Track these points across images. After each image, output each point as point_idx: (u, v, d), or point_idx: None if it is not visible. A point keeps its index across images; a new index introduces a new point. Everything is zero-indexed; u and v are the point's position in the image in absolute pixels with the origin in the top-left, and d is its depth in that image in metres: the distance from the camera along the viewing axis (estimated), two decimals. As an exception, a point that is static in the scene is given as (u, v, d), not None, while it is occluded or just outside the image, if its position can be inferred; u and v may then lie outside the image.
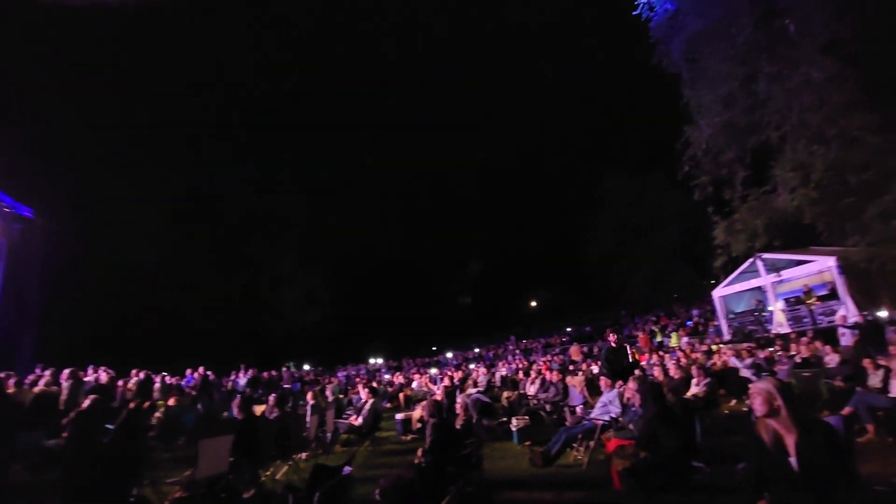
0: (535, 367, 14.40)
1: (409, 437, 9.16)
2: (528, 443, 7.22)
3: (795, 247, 14.29)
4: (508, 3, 43.18)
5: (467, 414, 5.47)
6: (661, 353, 14.03)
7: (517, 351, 27.52)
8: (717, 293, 17.33)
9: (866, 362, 7.07)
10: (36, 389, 7.96)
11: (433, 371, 22.43)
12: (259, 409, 8.57)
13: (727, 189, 11.92)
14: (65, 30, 27.55)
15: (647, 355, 13.84)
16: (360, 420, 8.30)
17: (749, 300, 17.00)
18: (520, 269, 45.71)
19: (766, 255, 14.23)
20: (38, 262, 14.67)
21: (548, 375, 10.55)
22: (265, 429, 5.95)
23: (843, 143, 9.89)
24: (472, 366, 23.18)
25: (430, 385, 15.12)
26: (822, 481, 2.24)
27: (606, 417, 6.13)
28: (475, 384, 13.23)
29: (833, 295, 13.39)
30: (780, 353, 10.91)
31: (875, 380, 6.70)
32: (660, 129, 17.37)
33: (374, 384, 15.05)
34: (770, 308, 15.33)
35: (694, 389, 8.36)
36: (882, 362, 6.80)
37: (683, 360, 10.80)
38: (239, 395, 11.25)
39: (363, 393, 9.55)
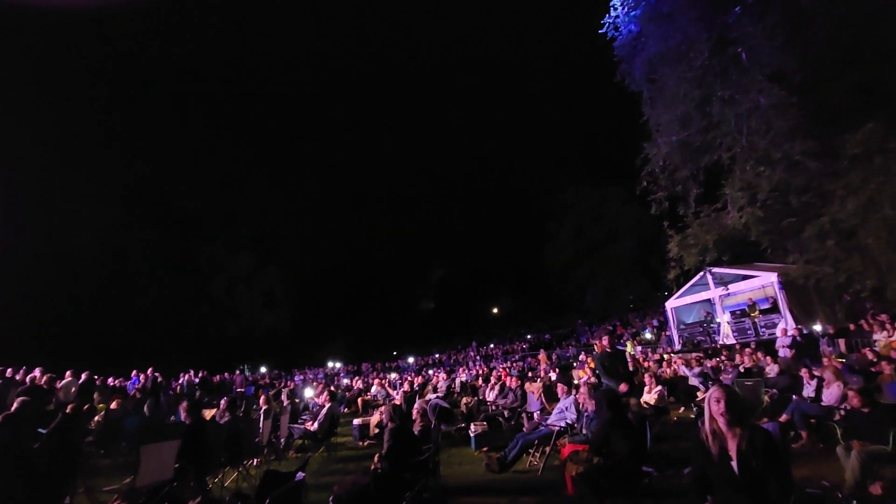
0: (494, 373, 14.50)
1: (365, 444, 8.98)
2: (485, 448, 7.23)
3: (742, 262, 15.07)
4: (476, 19, 43.86)
5: (426, 419, 5.43)
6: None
7: (477, 357, 27.68)
8: (670, 304, 17.99)
9: (802, 372, 7.53)
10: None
11: (393, 376, 22.20)
12: (209, 414, 8.21)
13: (681, 205, 12.45)
14: (32, 19, 25.92)
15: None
16: (315, 425, 8.09)
17: (699, 312, 17.76)
18: (481, 276, 46.19)
19: (715, 270, 14.94)
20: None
21: (507, 382, 10.63)
22: (214, 434, 5.70)
23: (787, 167, 10.54)
24: (431, 371, 23.12)
25: (390, 390, 14.94)
26: (760, 484, 2.36)
27: (562, 423, 6.22)
28: (435, 389, 13.19)
29: (774, 308, 14.15)
30: (726, 362, 11.45)
31: (809, 389, 7.16)
32: (620, 144, 18.02)
33: (332, 388, 14.74)
34: (718, 320, 16.04)
35: (646, 396, 8.62)
36: (816, 373, 7.26)
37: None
38: (187, 399, 10.75)
39: (322, 397, 9.32)
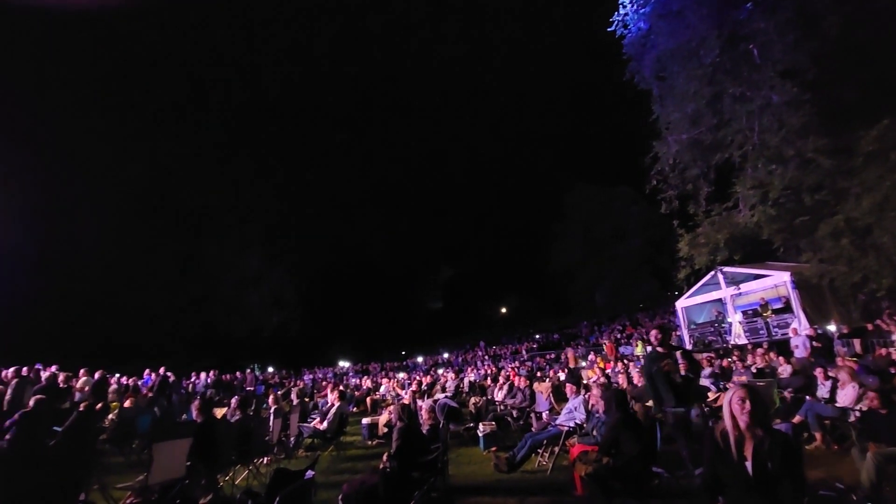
0: (503, 373, 14.48)
1: (374, 443, 9.03)
2: (493, 448, 7.23)
3: (754, 261, 14.88)
4: (485, 17, 43.84)
5: (434, 419, 5.43)
6: (625, 361, 14.35)
7: (486, 357, 27.64)
8: (680, 304, 17.82)
9: (817, 372, 7.41)
10: (-24, 389, 7.47)
11: (401, 375, 22.26)
12: (220, 412, 8.29)
13: (691, 203, 12.33)
14: (31, 20, 26.38)
15: (611, 363, 14.13)
16: (324, 424, 8.13)
17: (710, 311, 17.56)
18: (489, 276, 46.13)
19: (726, 269, 14.78)
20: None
21: (516, 381, 10.61)
22: (225, 432, 5.76)
23: (800, 164, 10.40)
24: (440, 371, 23.14)
25: (399, 389, 14.99)
26: (774, 486, 2.33)
27: (571, 423, 6.20)
28: (444, 389, 13.20)
29: (787, 308, 13.96)
30: (737, 363, 11.32)
31: (823, 390, 7.05)
32: (626, 143, 17.92)
33: (341, 388, 14.81)
34: (729, 320, 15.87)
35: (656, 397, 8.55)
36: (831, 373, 7.15)
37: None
38: (199, 397, 10.85)
39: (331, 396, 9.37)
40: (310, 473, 3.58)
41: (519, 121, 49.49)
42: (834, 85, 10.63)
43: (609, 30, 13.07)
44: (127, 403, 8.87)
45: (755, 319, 14.79)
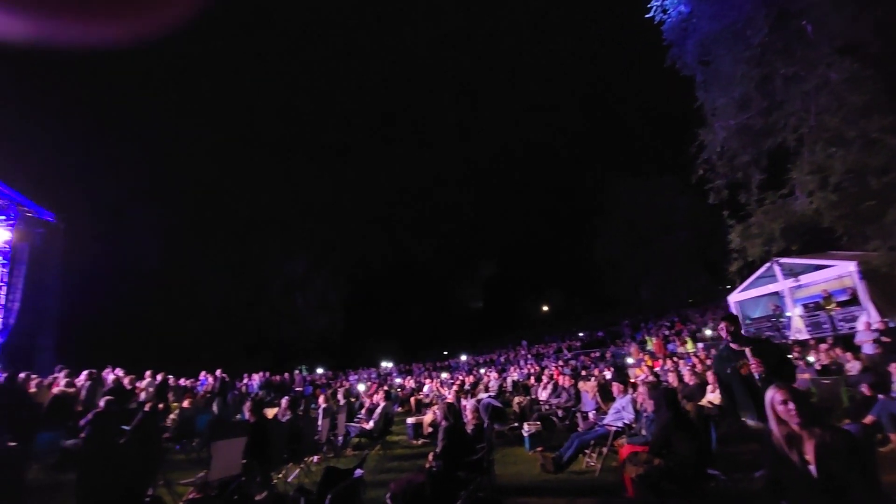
0: (546, 372, 14.29)
1: (419, 442, 9.13)
2: (539, 448, 7.14)
3: (814, 251, 13.98)
4: (522, 7, 43.35)
5: (479, 419, 5.43)
6: (675, 358, 13.83)
7: (529, 356, 27.35)
8: (733, 298, 17.04)
9: (892, 368, 6.87)
10: (54, 390, 8.09)
11: (444, 375, 22.37)
12: (271, 412, 8.63)
13: (742, 192, 11.72)
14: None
15: (660, 361, 13.65)
16: (371, 424, 8.30)
17: (766, 305, 16.68)
18: (531, 274, 45.65)
19: (783, 260, 13.97)
20: (59, 266, 15.00)
21: (560, 381, 10.45)
22: (277, 432, 5.98)
23: (863, 146, 9.66)
24: (483, 370, 23.09)
25: (442, 389, 15.08)
26: (841, 490, 2.18)
27: (619, 423, 6.04)
28: (487, 389, 13.17)
29: (854, 300, 13.08)
30: (798, 360, 10.68)
31: (898, 388, 6.52)
32: (669, 132, 17.25)
33: (386, 388, 15.06)
34: (788, 314, 15.03)
35: (709, 396, 8.20)
36: (905, 370, 6.61)
37: (699, 367, 10.61)
38: (251, 398, 11.33)
39: (377, 396, 9.56)
40: (359, 472, 3.67)
41: (558, 113, 48.69)
42: (901, 58, 9.82)
43: (647, 16, 12.63)
44: (185, 404, 9.37)
45: (817, 313, 13.94)
